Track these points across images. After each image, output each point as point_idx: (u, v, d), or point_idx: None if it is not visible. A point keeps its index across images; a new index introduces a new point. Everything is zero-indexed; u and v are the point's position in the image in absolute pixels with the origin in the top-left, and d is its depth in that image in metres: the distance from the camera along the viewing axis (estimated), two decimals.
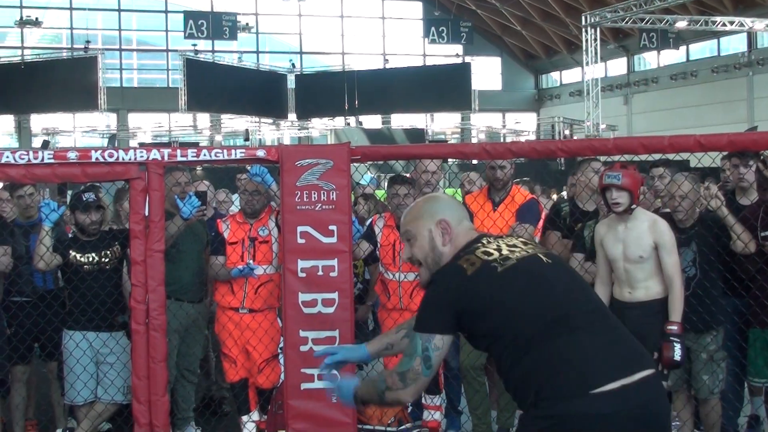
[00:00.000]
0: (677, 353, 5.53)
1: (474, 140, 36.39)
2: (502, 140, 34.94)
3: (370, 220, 7.17)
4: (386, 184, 7.94)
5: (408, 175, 7.62)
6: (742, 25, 31.79)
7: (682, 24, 32.16)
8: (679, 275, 5.67)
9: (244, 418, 6.80)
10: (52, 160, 5.95)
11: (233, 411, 7.21)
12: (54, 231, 6.40)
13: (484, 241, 3.31)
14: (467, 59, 36.96)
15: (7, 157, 5.90)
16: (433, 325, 3.23)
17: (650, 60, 39.89)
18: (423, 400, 6.84)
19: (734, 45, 36.51)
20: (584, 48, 32.60)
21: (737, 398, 6.42)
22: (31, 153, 6.00)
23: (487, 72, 41.70)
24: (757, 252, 5.94)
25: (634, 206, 5.77)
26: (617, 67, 40.42)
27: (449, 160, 12.39)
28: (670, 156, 6.56)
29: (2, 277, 6.52)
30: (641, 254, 5.71)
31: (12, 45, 36.29)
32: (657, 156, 6.63)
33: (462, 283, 3.19)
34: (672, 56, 37.73)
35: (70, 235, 6.64)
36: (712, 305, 5.95)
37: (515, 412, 6.78)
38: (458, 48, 37.74)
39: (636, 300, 5.73)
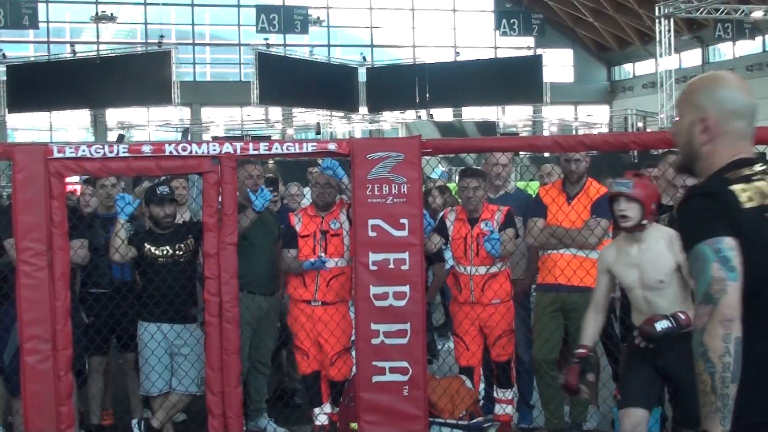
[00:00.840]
0: (661, 326, 4.82)
1: (546, 133, 36.09)
2: (574, 133, 34.63)
3: (441, 213, 7.14)
4: (457, 177, 7.91)
5: (479, 167, 7.59)
6: None
7: (758, 14, 31.50)
8: None
9: (317, 410, 6.83)
10: (127, 154, 6.04)
11: (305, 403, 7.25)
12: (133, 224, 6.49)
13: (758, 169, 2.80)
14: (539, 51, 36.66)
15: (84, 151, 6.00)
16: (714, 229, 2.67)
17: (725, 51, 39.16)
18: (495, 394, 6.82)
19: None
20: (658, 39, 32.11)
21: None
22: (106, 147, 6.10)
23: (558, 64, 41.33)
24: None
25: (645, 222, 5.09)
26: (691, 58, 39.75)
27: (521, 153, 12.32)
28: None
29: (80, 269, 6.62)
30: (661, 278, 5.01)
31: (88, 40, 36.81)
32: None
33: (734, 214, 2.69)
34: (748, 47, 37.00)
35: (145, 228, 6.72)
36: None
37: (588, 407, 6.73)
38: (530, 40, 37.46)
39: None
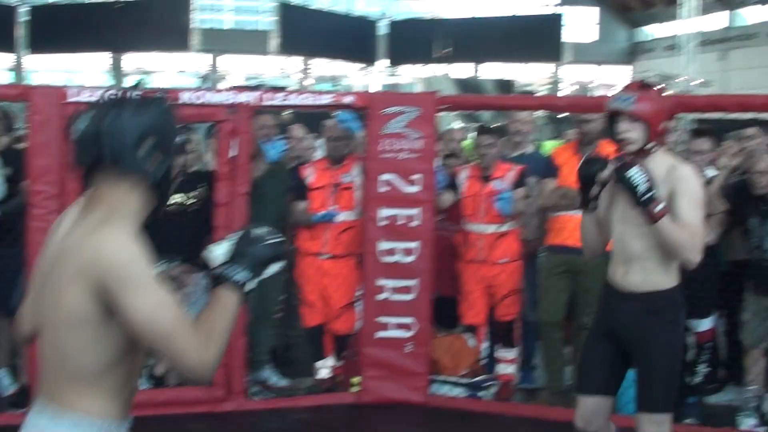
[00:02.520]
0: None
1: (563, 93, 35.87)
2: (592, 94, 34.43)
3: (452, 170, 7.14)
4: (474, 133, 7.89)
5: (494, 125, 7.57)
6: None
7: None
8: (697, 225, 4.07)
9: (319, 363, 6.88)
10: None
11: (305, 356, 7.30)
12: None
13: None
14: (563, 9, 36.33)
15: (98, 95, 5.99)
16: None
17: (750, 15, 38.71)
18: (498, 353, 6.85)
19: None
20: (681, 1, 31.79)
21: None
22: (121, 92, 6.08)
23: (583, 23, 40.98)
24: None
25: (652, 146, 4.18)
26: (716, 21, 39.33)
27: (539, 112, 12.29)
28: (765, 116, 6.38)
29: None
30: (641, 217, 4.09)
31: None
32: (750, 116, 6.45)
33: None
34: None
35: None
36: None
37: None
38: None
39: (629, 288, 4.21)
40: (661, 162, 4.15)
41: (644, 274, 4.17)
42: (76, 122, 2.55)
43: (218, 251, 2.61)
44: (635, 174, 3.96)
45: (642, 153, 4.14)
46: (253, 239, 2.61)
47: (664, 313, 4.16)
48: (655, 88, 4.26)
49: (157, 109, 2.55)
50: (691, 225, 4.03)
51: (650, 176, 3.98)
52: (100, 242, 2.38)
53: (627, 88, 4.27)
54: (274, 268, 2.66)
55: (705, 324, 6.16)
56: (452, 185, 6.80)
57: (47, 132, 5.88)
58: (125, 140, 2.49)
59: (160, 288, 2.39)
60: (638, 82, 4.35)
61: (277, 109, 7.24)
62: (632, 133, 4.13)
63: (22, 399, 5.99)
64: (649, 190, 3.95)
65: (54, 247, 2.57)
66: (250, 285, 2.58)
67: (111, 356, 2.47)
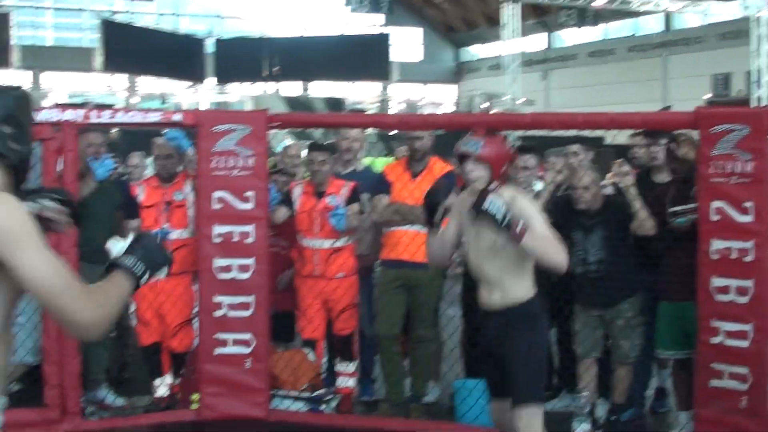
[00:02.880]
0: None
1: (392, 111, 36.39)
2: (420, 112, 35.06)
3: (287, 187, 7.13)
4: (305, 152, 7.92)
5: (326, 143, 7.62)
6: (658, 5, 32.23)
7: (600, 2, 32.50)
8: (552, 237, 4.61)
9: (157, 381, 6.76)
10: None
11: (142, 374, 7.16)
12: None
13: None
14: (388, 29, 36.87)
15: None
16: None
17: (569, 37, 40.29)
18: (337, 367, 6.87)
19: (651, 25, 37.08)
20: (503, 23, 32.78)
21: (645, 371, 6.58)
22: None
23: (408, 43, 41.72)
24: (666, 229, 6.03)
25: (495, 185, 4.67)
26: (537, 42, 40.74)
27: (369, 129, 12.43)
28: (586, 133, 6.64)
29: None
30: (491, 245, 4.63)
31: None
32: (572, 132, 6.69)
33: None
34: (590, 34, 38.20)
35: None
36: (623, 279, 6.06)
37: (428, 381, 6.87)
38: (380, 18, 37.63)
39: (492, 307, 4.74)
40: (504, 194, 4.56)
41: (502, 292, 4.70)
42: None
43: (118, 246, 2.83)
44: (491, 203, 4.37)
45: (485, 191, 4.54)
46: (150, 241, 2.82)
47: (522, 322, 4.69)
48: (499, 135, 4.84)
49: (11, 96, 2.65)
50: (548, 237, 4.57)
51: (503, 201, 4.41)
52: None
53: (475, 133, 4.78)
54: (163, 272, 2.86)
55: None
56: (286, 201, 6.80)
57: None
58: None
59: (50, 250, 2.49)
60: (484, 129, 4.87)
61: (105, 127, 7.08)
62: (477, 172, 4.67)
63: None
64: (506, 214, 4.36)
65: None
66: (143, 279, 2.71)
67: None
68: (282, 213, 6.75)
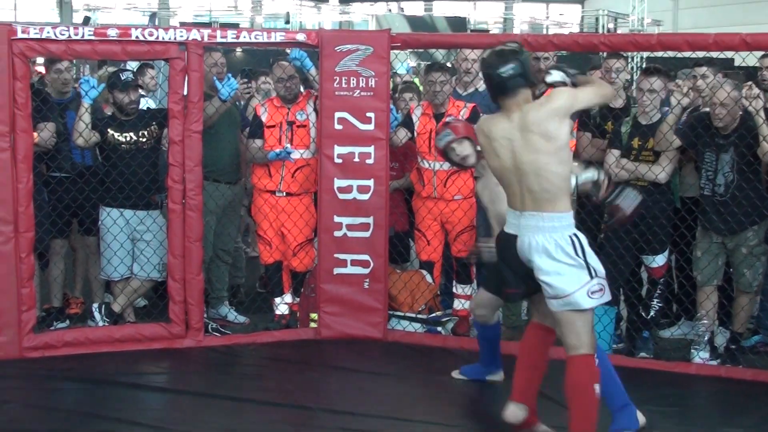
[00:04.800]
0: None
1: (516, 31, 35.83)
2: (544, 32, 34.41)
3: (407, 108, 7.11)
4: (423, 72, 7.87)
5: (449, 63, 7.54)
6: None
7: None
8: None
9: (277, 299, 6.89)
10: (92, 37, 5.93)
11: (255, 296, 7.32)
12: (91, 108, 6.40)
13: None
14: None
15: (48, 32, 5.89)
16: None
17: None
18: (454, 289, 6.90)
19: None
20: None
21: None
22: (71, 29, 5.98)
23: None
24: None
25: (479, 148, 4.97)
26: None
27: None
28: (715, 54, 6.41)
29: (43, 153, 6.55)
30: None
31: None
32: (701, 54, 6.47)
33: None
34: None
35: (108, 114, 6.64)
36: (750, 205, 5.89)
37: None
38: None
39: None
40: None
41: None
42: None
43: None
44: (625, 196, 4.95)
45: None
46: None
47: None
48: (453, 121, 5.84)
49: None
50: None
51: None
52: None
53: (439, 127, 5.82)
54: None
55: (658, 260, 6.24)
56: (406, 122, 6.78)
57: None
58: None
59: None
60: (442, 121, 6.08)
61: (229, 47, 7.16)
62: (466, 149, 5.61)
63: None
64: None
65: None
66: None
67: None
68: (402, 134, 6.74)
